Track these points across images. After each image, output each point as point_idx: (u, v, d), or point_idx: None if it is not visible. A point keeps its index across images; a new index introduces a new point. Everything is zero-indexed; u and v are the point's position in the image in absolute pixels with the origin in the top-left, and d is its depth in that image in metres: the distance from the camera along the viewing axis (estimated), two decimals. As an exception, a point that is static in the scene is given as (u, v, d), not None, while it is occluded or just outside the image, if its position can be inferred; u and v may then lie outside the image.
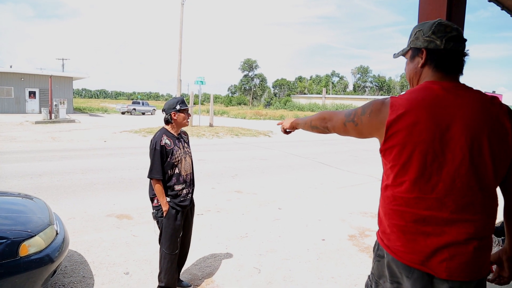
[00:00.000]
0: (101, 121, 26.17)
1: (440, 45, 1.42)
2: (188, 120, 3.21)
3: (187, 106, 3.16)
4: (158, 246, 3.20)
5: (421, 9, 1.78)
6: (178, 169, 3.09)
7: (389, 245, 1.47)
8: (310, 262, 4.19)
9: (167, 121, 3.18)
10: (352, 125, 1.58)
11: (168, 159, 3.03)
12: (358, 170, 10.52)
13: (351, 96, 67.06)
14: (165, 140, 3.05)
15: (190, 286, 3.49)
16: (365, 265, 4.17)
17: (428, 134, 1.33)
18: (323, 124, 1.78)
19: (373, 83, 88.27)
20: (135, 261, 4.01)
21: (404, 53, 1.59)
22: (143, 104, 41.18)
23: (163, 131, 3.12)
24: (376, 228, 5.34)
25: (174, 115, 3.12)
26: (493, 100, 1.39)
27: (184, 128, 3.37)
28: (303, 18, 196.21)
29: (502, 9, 2.91)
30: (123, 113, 38.10)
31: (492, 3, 2.78)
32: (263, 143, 16.94)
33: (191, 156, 3.30)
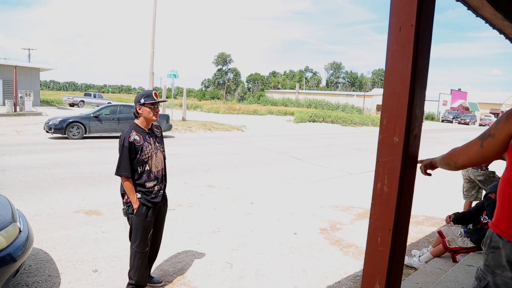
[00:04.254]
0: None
1: None
2: (155, 114, 3.06)
3: (153, 99, 3.01)
4: (128, 243, 3.13)
5: (392, 7, 1.81)
6: (149, 166, 3.02)
7: (508, 231, 1.46)
8: (282, 256, 4.22)
9: (134, 115, 3.10)
10: (490, 140, 1.58)
11: (138, 156, 2.94)
12: (330, 165, 10.66)
13: (324, 92, 67.85)
14: (134, 136, 2.95)
15: (161, 282, 3.44)
16: (336, 258, 4.24)
17: None
18: (454, 160, 1.77)
19: (346, 79, 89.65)
20: (104, 258, 3.92)
21: None
22: (95, 96, 39.06)
23: (132, 126, 3.02)
24: (347, 221, 5.43)
25: (139, 109, 3.02)
26: None
27: (156, 122, 3.27)
28: (278, 13, 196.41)
29: (468, 9, 2.98)
30: (70, 105, 36.02)
31: (459, 2, 2.85)
32: (236, 138, 16.91)
33: (163, 152, 3.21)
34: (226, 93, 78.12)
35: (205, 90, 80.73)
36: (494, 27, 3.49)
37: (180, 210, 5.68)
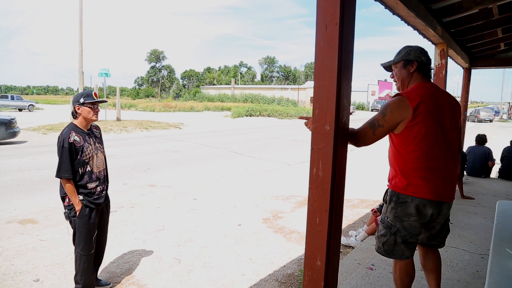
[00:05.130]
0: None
1: (424, 60, 2.28)
2: (95, 114, 3.05)
3: (93, 99, 3.00)
4: (72, 248, 3.07)
5: (318, 7, 1.99)
6: (90, 167, 2.99)
7: (415, 191, 2.16)
8: (228, 247, 4.35)
9: (73, 115, 3.05)
10: (380, 129, 2.17)
11: (78, 157, 2.90)
12: (269, 157, 10.97)
13: (259, 86, 68.76)
14: (74, 137, 2.90)
15: (109, 284, 3.41)
16: (280, 245, 4.46)
17: (435, 115, 2.13)
18: (353, 144, 2.24)
19: (280, 73, 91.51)
20: (45, 267, 3.77)
21: (394, 63, 2.37)
22: (13, 98, 35.37)
23: (71, 127, 2.96)
24: (288, 209, 5.71)
25: (78, 109, 2.98)
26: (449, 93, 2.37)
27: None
28: (211, 8, 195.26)
29: (385, 8, 3.29)
30: None
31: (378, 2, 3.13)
32: (174, 135, 16.70)
33: (103, 152, 3.19)
34: (161, 90, 76.28)
35: (139, 89, 78.17)
36: (408, 23, 3.87)
37: (122, 212, 5.58)
